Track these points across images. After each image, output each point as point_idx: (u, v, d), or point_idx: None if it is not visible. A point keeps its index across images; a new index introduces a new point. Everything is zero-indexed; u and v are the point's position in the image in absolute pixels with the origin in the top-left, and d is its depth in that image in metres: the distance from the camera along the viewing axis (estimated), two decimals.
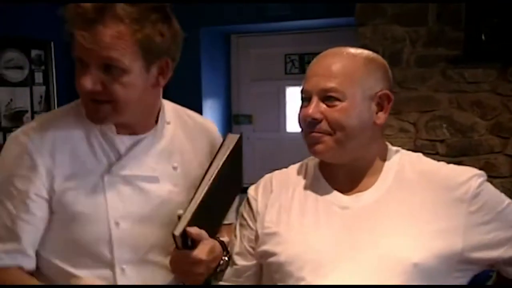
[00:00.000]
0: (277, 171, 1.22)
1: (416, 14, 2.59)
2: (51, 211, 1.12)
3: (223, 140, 1.18)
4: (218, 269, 1.17)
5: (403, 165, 1.13)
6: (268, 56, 3.44)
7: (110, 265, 1.15)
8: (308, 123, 1.09)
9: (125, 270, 1.15)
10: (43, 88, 3.22)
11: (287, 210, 1.14)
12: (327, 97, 1.07)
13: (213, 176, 1.13)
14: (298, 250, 1.08)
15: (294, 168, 1.21)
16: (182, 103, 3.52)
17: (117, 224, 1.14)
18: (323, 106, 1.08)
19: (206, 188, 1.12)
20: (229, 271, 1.19)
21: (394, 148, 1.16)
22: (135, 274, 1.17)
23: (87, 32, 1.03)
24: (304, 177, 1.17)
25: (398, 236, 1.05)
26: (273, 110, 3.48)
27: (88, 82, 1.04)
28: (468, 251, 1.05)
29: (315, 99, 1.08)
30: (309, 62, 3.42)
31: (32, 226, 1.12)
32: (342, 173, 1.13)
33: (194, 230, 1.10)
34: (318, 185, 1.14)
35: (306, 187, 1.15)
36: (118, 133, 1.16)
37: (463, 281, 1.08)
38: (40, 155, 1.11)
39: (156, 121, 1.19)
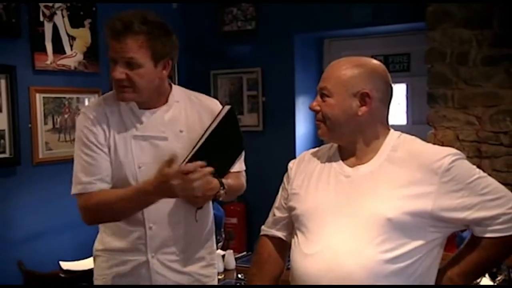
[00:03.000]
0: (312, 149, 1.58)
1: (482, 17, 2.81)
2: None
3: (220, 111, 1.67)
4: (216, 197, 1.65)
5: (397, 145, 1.39)
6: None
7: None
8: (314, 115, 1.44)
9: None
10: None
11: (308, 177, 1.47)
12: (322, 94, 1.42)
13: (206, 135, 1.62)
14: (309, 205, 1.42)
15: (323, 147, 1.55)
16: (276, 98, 3.98)
17: (139, 167, 1.65)
18: (321, 101, 1.41)
19: (201, 142, 1.61)
20: (270, 220, 1.58)
21: (396, 132, 1.43)
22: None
23: (117, 41, 1.56)
24: (327, 154, 1.50)
25: (380, 198, 1.33)
26: None
27: (117, 73, 1.58)
28: (437, 211, 1.30)
29: (317, 96, 1.43)
30: (393, 62, 3.87)
31: (106, 161, 1.65)
32: (348, 151, 1.44)
33: (189, 167, 1.52)
34: (334, 159, 1.46)
35: (326, 161, 1.48)
36: (140, 108, 1.67)
37: (439, 235, 1.34)
38: (96, 118, 1.66)
39: (167, 100, 1.70)
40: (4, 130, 2.92)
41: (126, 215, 1.66)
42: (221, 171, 1.70)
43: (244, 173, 1.84)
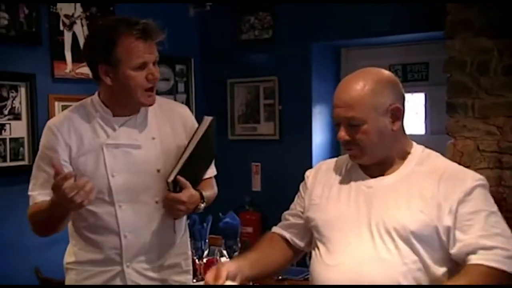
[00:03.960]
0: (328, 159, 1.57)
1: (503, 26, 2.77)
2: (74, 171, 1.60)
3: (201, 121, 1.69)
4: (195, 210, 1.68)
5: (423, 160, 1.39)
6: (374, 66, 3.77)
7: (112, 204, 1.65)
8: (342, 142, 1.40)
9: (122, 206, 1.65)
10: (184, 96, 3.89)
11: (328, 187, 1.46)
12: (350, 123, 1.35)
13: (194, 146, 1.64)
14: (330, 216, 1.42)
15: (341, 157, 1.53)
16: (293, 107, 3.99)
17: (113, 176, 1.64)
18: (349, 129, 1.36)
19: (188, 153, 1.63)
20: (282, 223, 1.57)
21: (420, 146, 1.44)
22: (129, 209, 1.66)
23: (146, 42, 1.60)
24: (346, 165, 1.48)
25: (402, 210, 1.33)
26: None
27: (157, 74, 1.64)
28: (453, 228, 1.30)
29: (342, 125, 1.37)
30: (411, 71, 3.83)
31: None
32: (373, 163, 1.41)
33: (182, 179, 1.61)
34: (355, 170, 1.44)
35: (346, 171, 1.46)
36: (113, 116, 1.67)
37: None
38: (61, 135, 1.63)
39: (139, 110, 1.69)
40: (23, 138, 2.97)
41: (48, 226, 1.66)
42: (198, 180, 1.73)
43: (214, 179, 1.86)
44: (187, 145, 1.67)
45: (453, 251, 1.31)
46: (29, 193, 1.69)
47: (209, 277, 1.34)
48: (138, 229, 1.69)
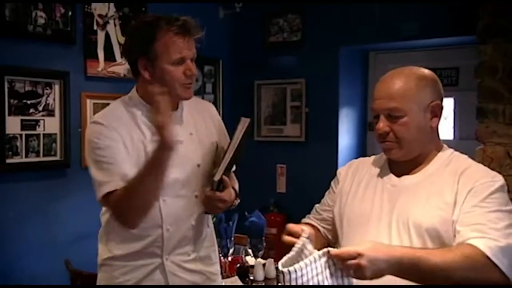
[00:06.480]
0: (361, 158, 1.61)
1: None
2: None
3: (239, 122, 1.70)
4: (230, 207, 1.76)
5: (449, 161, 1.40)
6: None
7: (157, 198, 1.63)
8: (379, 134, 1.40)
9: (166, 200, 1.67)
10: (212, 96, 3.93)
11: (356, 185, 1.50)
12: (391, 114, 1.37)
13: (236, 146, 1.68)
14: (354, 213, 1.46)
15: (374, 156, 1.57)
16: (320, 110, 3.98)
17: None
18: (388, 121, 1.37)
19: (232, 153, 1.68)
20: (316, 216, 1.60)
21: (451, 149, 1.45)
22: (172, 204, 1.68)
23: (186, 39, 1.65)
24: (378, 163, 1.51)
25: (421, 208, 1.34)
26: None
27: (194, 69, 1.68)
28: (456, 222, 1.29)
29: (382, 117, 1.38)
30: (440, 76, 3.83)
31: (125, 159, 1.59)
32: (403, 162, 1.43)
33: (226, 179, 1.66)
34: (383, 169, 1.48)
35: (375, 170, 1.49)
36: None
37: None
38: (112, 127, 1.62)
39: (178, 106, 1.74)
40: (56, 134, 3.04)
41: (151, 193, 1.58)
42: (228, 177, 1.76)
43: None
44: (228, 146, 1.71)
45: (454, 244, 1.30)
46: (105, 179, 1.60)
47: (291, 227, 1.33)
48: (179, 222, 1.72)
